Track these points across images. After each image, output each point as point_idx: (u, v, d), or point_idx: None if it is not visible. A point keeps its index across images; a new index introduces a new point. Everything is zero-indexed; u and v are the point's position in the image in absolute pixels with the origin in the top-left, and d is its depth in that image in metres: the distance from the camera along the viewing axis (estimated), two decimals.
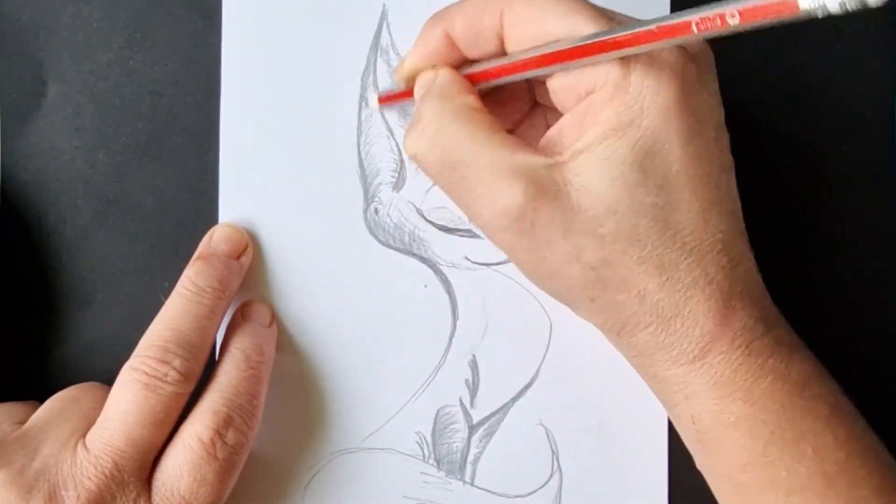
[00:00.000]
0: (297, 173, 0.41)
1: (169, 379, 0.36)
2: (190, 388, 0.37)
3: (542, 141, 0.34)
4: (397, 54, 0.41)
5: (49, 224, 0.41)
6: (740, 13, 0.28)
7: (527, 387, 0.41)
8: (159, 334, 0.37)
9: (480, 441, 0.41)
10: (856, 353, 0.41)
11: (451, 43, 0.36)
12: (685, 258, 0.32)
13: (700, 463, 0.36)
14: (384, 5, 0.41)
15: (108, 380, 0.39)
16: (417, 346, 0.41)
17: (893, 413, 0.41)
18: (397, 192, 0.41)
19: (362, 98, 0.41)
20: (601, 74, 0.32)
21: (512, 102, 0.38)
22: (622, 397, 0.41)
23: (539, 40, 0.33)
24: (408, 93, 0.38)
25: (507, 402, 0.41)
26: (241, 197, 0.41)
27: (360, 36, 0.41)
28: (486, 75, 0.36)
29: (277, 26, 0.41)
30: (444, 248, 0.41)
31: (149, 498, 0.35)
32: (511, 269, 0.41)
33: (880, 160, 0.42)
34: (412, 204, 0.41)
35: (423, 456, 0.41)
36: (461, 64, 0.36)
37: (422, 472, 0.41)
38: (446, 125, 0.34)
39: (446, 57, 0.36)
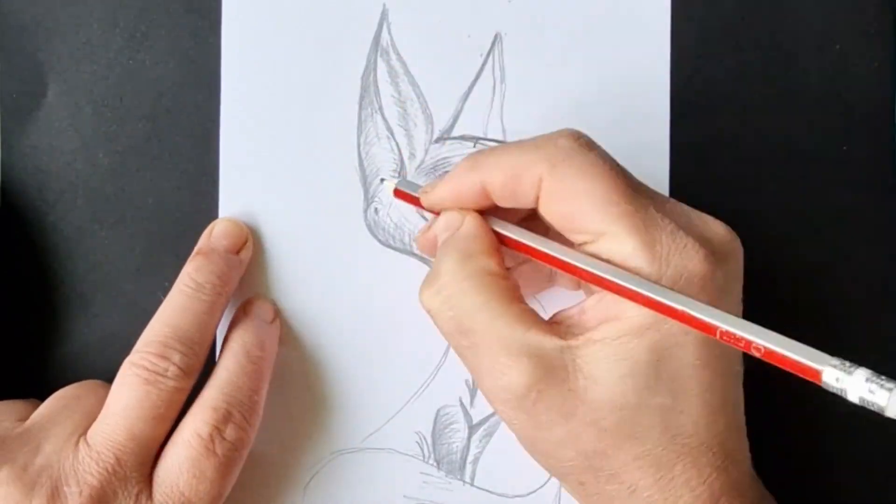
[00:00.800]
0: (297, 174, 0.41)
1: (169, 374, 0.36)
2: (190, 383, 0.37)
3: (561, 315, 0.34)
4: (397, 54, 0.41)
5: (49, 224, 0.41)
6: (765, 354, 0.29)
7: None
8: (159, 330, 0.37)
9: (480, 441, 0.41)
10: (856, 355, 0.41)
11: (483, 191, 0.35)
12: (682, 458, 0.32)
13: None
14: (384, 5, 0.41)
15: (108, 379, 0.39)
16: (417, 346, 0.41)
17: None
18: None
19: (363, 98, 0.41)
20: None
21: None
22: None
23: (569, 222, 0.33)
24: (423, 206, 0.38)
25: None
26: (241, 197, 0.41)
27: (361, 36, 0.41)
28: (512, 245, 0.35)
29: (277, 26, 0.41)
30: None
31: (150, 494, 0.35)
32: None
33: (880, 160, 0.41)
34: None
35: (423, 456, 0.41)
36: (491, 209, 0.36)
37: (422, 472, 0.41)
38: (463, 289, 0.34)
39: (477, 202, 0.36)
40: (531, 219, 0.36)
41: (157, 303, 0.38)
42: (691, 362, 0.32)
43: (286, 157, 0.41)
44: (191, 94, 0.41)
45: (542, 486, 0.41)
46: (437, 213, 0.37)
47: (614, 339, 0.32)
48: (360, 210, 0.41)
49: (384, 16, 0.41)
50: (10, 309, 0.41)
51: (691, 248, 0.32)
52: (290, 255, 0.41)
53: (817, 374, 0.28)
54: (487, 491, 0.41)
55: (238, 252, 0.40)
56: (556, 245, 0.34)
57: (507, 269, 0.35)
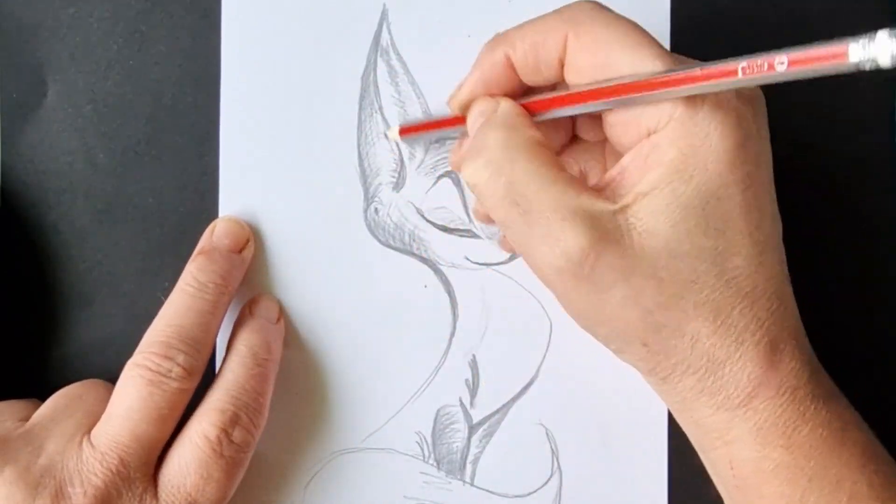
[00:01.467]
0: (297, 174, 0.41)
1: (173, 375, 0.36)
2: (194, 383, 0.37)
3: (603, 181, 0.34)
4: (397, 54, 0.41)
5: (49, 224, 0.41)
6: (790, 63, 0.28)
7: (527, 387, 0.41)
8: (162, 330, 0.37)
9: (480, 441, 0.41)
10: (856, 353, 0.41)
11: (510, 68, 0.35)
12: (739, 302, 0.32)
13: None
14: (384, 5, 0.41)
15: (108, 379, 0.39)
16: (417, 346, 0.41)
17: (893, 413, 0.41)
18: (397, 192, 0.41)
19: (363, 98, 0.41)
20: (665, 112, 0.32)
21: (551, 134, 0.37)
22: (622, 397, 0.41)
23: (602, 71, 0.33)
24: (436, 123, 0.38)
25: (507, 402, 0.41)
26: (241, 197, 0.41)
27: (361, 36, 0.41)
28: (546, 104, 0.35)
29: (277, 26, 0.41)
30: (444, 247, 0.41)
31: (155, 494, 0.35)
32: (511, 268, 0.41)
33: (880, 160, 0.42)
34: (412, 204, 0.41)
35: (423, 456, 0.41)
36: (519, 94, 0.36)
37: (422, 472, 0.41)
38: (514, 157, 0.33)
39: (504, 84, 0.36)
40: None
41: (158, 303, 0.38)
42: (738, 203, 0.32)
43: (286, 157, 0.41)
44: (191, 94, 0.41)
45: (542, 486, 0.41)
46: (458, 120, 0.37)
47: (662, 188, 0.31)
48: (360, 210, 0.41)
49: (384, 15, 0.41)
50: (10, 309, 0.41)
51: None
52: (290, 255, 0.41)
53: (843, 53, 0.27)
54: (487, 491, 0.41)
55: (240, 251, 0.40)
56: (585, 85, 0.34)
57: None
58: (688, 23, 0.41)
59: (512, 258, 0.41)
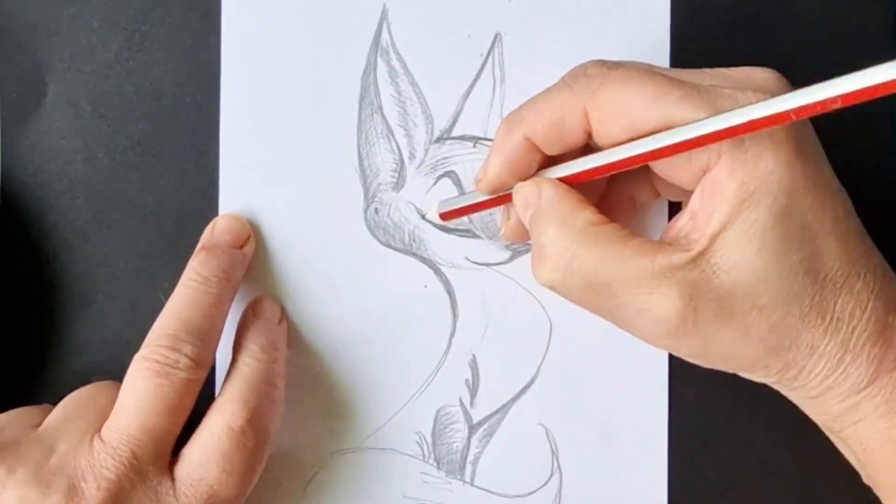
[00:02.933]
0: (297, 174, 0.41)
1: (181, 366, 0.36)
2: (202, 375, 0.37)
3: (674, 231, 0.34)
4: (397, 54, 0.41)
5: (49, 224, 0.41)
6: (843, 99, 0.28)
7: (527, 387, 0.41)
8: (168, 324, 0.37)
9: (480, 441, 0.41)
10: None
11: (532, 147, 0.35)
12: (839, 296, 0.32)
13: (868, 479, 0.35)
14: (384, 5, 0.41)
15: (109, 379, 0.39)
16: (417, 346, 0.41)
17: None
18: (397, 192, 0.41)
19: (362, 98, 0.41)
20: (713, 149, 0.32)
21: (596, 186, 0.37)
22: (622, 397, 0.41)
23: (631, 131, 0.33)
24: (482, 204, 0.38)
25: (507, 402, 0.41)
26: (241, 197, 0.41)
27: (360, 36, 0.41)
28: (588, 174, 0.35)
29: (277, 26, 0.41)
30: (444, 248, 0.41)
31: (171, 487, 0.35)
32: (511, 269, 0.41)
33: (880, 160, 0.41)
34: (412, 204, 0.41)
35: (423, 456, 0.41)
36: (545, 163, 0.36)
37: (422, 472, 0.41)
38: (578, 252, 0.33)
39: (529, 161, 0.35)
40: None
41: (158, 303, 0.38)
42: (811, 207, 0.32)
43: (286, 157, 0.41)
44: (191, 94, 0.41)
45: (542, 486, 0.41)
46: (502, 200, 0.37)
47: (733, 222, 0.31)
48: (360, 210, 0.41)
49: (384, 15, 0.41)
50: (10, 309, 0.41)
51: (755, 101, 0.31)
52: (290, 255, 0.41)
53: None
54: (487, 491, 0.41)
55: (241, 247, 0.40)
56: (620, 148, 0.33)
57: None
58: (688, 22, 0.41)
59: (512, 258, 0.41)
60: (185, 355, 0.36)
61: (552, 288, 0.34)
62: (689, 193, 0.33)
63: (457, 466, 0.41)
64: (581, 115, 0.34)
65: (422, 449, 0.41)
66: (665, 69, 0.34)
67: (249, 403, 0.36)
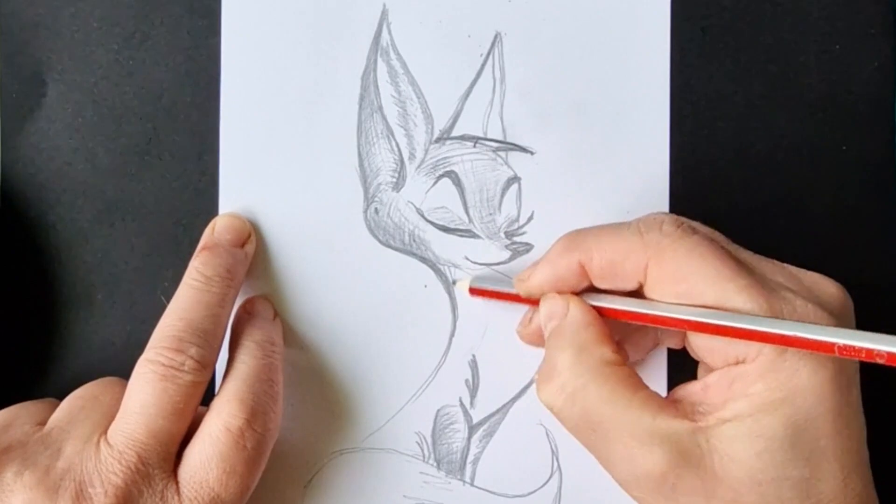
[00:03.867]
0: (297, 174, 0.41)
1: (186, 368, 0.36)
2: (207, 376, 0.37)
3: (684, 394, 0.34)
4: (397, 54, 0.41)
5: (49, 224, 0.41)
6: (889, 359, 0.29)
7: (527, 387, 0.41)
8: (173, 325, 0.37)
9: (480, 441, 0.41)
10: None
11: (583, 272, 0.35)
12: None
13: None
14: (384, 5, 0.41)
15: None
16: (417, 346, 0.41)
17: (894, 413, 0.41)
18: (397, 192, 0.41)
19: (363, 98, 0.41)
20: (754, 346, 0.32)
21: (620, 326, 0.37)
22: None
23: (684, 298, 0.33)
24: (506, 296, 0.38)
25: (507, 402, 0.41)
26: (241, 197, 0.41)
27: (360, 36, 0.41)
28: (624, 315, 0.35)
29: (277, 26, 0.41)
30: (444, 248, 0.41)
31: (177, 490, 0.35)
32: (511, 268, 0.41)
33: (880, 160, 0.41)
34: (412, 204, 0.41)
35: (423, 456, 0.41)
36: (589, 288, 0.36)
37: (422, 473, 0.41)
38: (586, 384, 0.33)
39: (575, 284, 0.36)
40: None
41: (158, 303, 0.38)
42: (827, 432, 0.31)
43: (286, 157, 0.41)
44: (191, 94, 0.41)
45: (541, 487, 0.41)
46: (532, 302, 0.37)
47: (746, 418, 0.31)
48: (360, 210, 0.41)
49: (384, 16, 0.41)
50: (11, 309, 0.41)
51: (813, 315, 0.32)
52: (291, 255, 0.41)
53: None
54: (487, 491, 0.41)
55: (242, 245, 0.40)
56: (669, 307, 0.34)
57: (619, 346, 0.35)
58: (688, 23, 0.41)
59: (512, 258, 0.41)
60: (191, 357, 0.36)
61: (550, 408, 0.35)
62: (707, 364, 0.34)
63: (457, 466, 0.41)
64: (641, 267, 0.34)
65: (422, 449, 0.41)
66: (737, 248, 0.35)
67: (247, 403, 0.36)
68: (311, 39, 0.41)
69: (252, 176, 0.41)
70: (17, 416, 0.37)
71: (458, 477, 0.41)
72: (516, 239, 0.41)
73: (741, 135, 0.41)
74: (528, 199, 0.41)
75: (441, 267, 0.41)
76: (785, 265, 0.34)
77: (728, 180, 0.41)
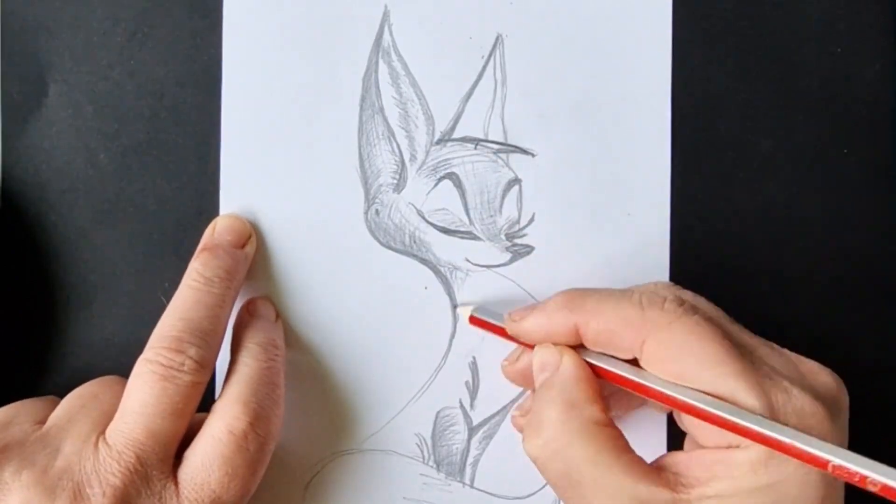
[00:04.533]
0: (297, 175, 0.41)
1: (185, 368, 0.36)
2: (206, 376, 0.37)
3: (669, 462, 0.34)
4: (398, 55, 0.41)
5: (49, 224, 0.41)
6: (882, 490, 0.29)
7: (526, 389, 0.41)
8: (172, 325, 0.37)
9: (480, 443, 0.41)
10: (856, 354, 0.41)
11: (576, 332, 0.35)
12: None
13: None
14: (386, 6, 0.40)
15: None
16: (418, 347, 0.41)
17: (894, 412, 0.41)
18: (398, 193, 0.41)
19: (364, 99, 0.41)
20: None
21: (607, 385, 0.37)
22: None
23: (677, 378, 0.33)
24: (507, 335, 0.38)
25: (507, 404, 0.41)
26: (241, 198, 0.41)
27: (362, 37, 0.41)
28: (617, 380, 0.35)
29: (278, 26, 0.40)
30: (444, 249, 0.41)
31: (176, 491, 0.35)
32: (511, 270, 0.41)
33: (880, 161, 0.42)
34: (413, 205, 0.41)
35: (423, 458, 0.41)
36: (580, 345, 0.36)
37: (421, 474, 0.41)
38: (572, 441, 0.34)
39: (568, 341, 0.36)
40: None
41: (158, 303, 0.38)
42: None
43: (287, 158, 0.41)
44: (191, 94, 0.41)
45: (541, 489, 0.41)
46: (525, 343, 0.37)
47: (729, 498, 0.32)
48: (361, 211, 0.41)
49: (385, 17, 0.41)
50: (10, 309, 0.41)
51: (808, 407, 0.32)
52: (291, 256, 0.41)
53: None
54: (487, 493, 0.41)
55: (242, 247, 0.40)
56: (666, 382, 0.34)
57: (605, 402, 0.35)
58: (688, 23, 0.41)
59: (512, 260, 0.41)
60: (190, 357, 0.36)
61: (534, 460, 0.35)
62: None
63: (457, 468, 0.41)
64: (639, 342, 0.34)
65: (422, 451, 0.41)
66: (737, 329, 0.35)
67: (251, 405, 0.36)
68: (312, 40, 0.41)
69: (253, 177, 0.41)
70: (17, 413, 0.37)
71: (458, 478, 0.41)
72: (517, 241, 0.41)
73: (741, 135, 0.41)
74: (529, 201, 0.41)
75: (441, 269, 0.41)
76: (783, 350, 0.35)
77: (728, 180, 0.41)
